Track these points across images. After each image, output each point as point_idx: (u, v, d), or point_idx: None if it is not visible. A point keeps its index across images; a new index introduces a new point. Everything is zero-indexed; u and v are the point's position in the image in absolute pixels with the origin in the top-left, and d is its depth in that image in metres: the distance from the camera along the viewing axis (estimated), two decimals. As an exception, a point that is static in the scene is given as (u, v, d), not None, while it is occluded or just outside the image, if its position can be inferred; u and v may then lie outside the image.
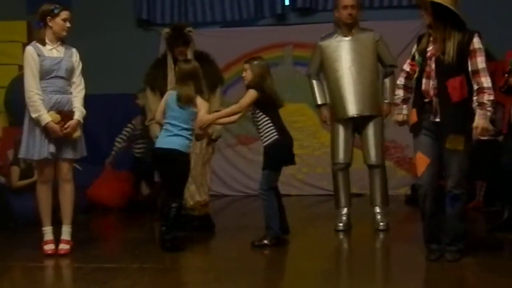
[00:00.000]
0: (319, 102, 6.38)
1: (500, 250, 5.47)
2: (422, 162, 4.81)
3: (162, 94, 6.00)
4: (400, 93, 5.05)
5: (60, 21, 5.39)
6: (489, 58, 5.46)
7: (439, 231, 4.84)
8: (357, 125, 6.23)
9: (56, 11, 5.37)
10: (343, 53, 6.16)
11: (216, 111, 5.98)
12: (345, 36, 6.17)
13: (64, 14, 5.40)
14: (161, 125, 5.69)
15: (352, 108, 6.13)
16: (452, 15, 4.62)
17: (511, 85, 5.93)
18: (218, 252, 5.78)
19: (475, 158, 4.96)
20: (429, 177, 4.79)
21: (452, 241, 4.81)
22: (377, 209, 6.23)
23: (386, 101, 6.19)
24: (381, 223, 6.16)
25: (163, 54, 6.40)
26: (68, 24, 5.42)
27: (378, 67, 6.27)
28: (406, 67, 5.00)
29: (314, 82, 6.37)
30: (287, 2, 9.54)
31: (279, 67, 9.32)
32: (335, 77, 6.19)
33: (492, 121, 7.22)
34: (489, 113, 4.65)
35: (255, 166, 9.29)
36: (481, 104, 4.65)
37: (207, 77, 5.98)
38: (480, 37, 4.72)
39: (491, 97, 4.66)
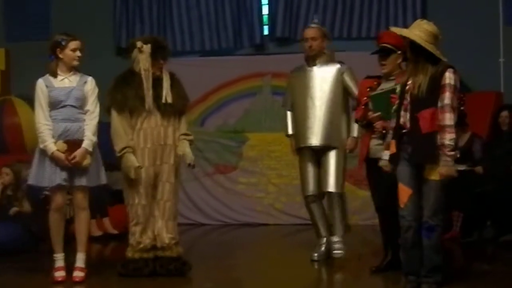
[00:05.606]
0: (289, 132, 6.42)
1: (477, 282, 5.47)
2: (404, 193, 4.80)
3: (135, 116, 5.58)
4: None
5: (69, 52, 5.44)
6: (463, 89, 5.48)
7: (418, 263, 4.82)
8: (318, 155, 6.22)
9: (63, 43, 5.43)
10: (307, 83, 6.21)
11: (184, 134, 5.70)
12: (310, 67, 6.24)
13: (73, 44, 5.45)
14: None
15: (311, 138, 6.15)
16: (426, 50, 4.68)
17: (370, 119, 5.51)
18: (195, 282, 5.71)
19: (451, 188, 4.97)
20: (412, 208, 4.78)
21: (428, 272, 4.78)
22: (335, 238, 6.17)
23: (353, 135, 6.14)
24: (339, 251, 6.11)
25: (130, 72, 5.72)
26: (78, 54, 5.47)
27: (346, 100, 6.21)
28: None
29: (288, 112, 6.43)
30: (266, 32, 9.62)
31: (258, 96, 9.39)
32: (298, 106, 6.26)
33: (471, 152, 7.33)
34: (449, 158, 4.64)
35: (233, 195, 9.35)
36: (442, 147, 4.65)
37: (177, 98, 5.66)
38: (454, 72, 4.73)
39: (452, 136, 4.63)
